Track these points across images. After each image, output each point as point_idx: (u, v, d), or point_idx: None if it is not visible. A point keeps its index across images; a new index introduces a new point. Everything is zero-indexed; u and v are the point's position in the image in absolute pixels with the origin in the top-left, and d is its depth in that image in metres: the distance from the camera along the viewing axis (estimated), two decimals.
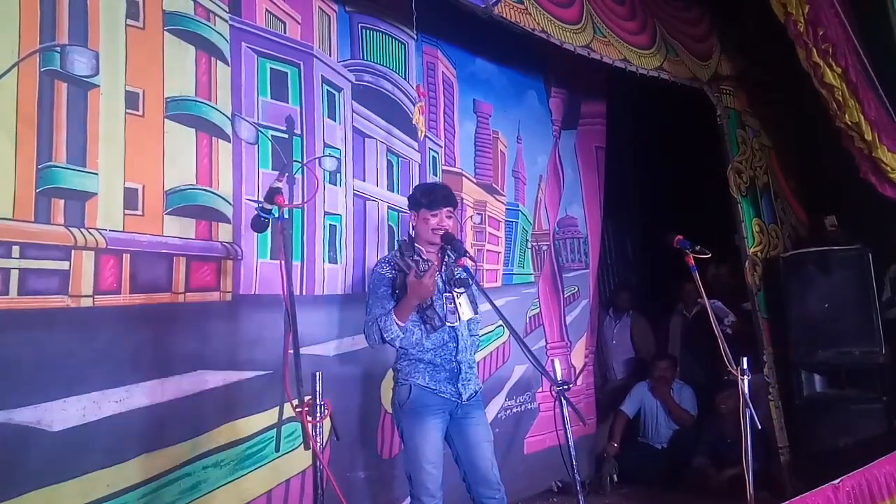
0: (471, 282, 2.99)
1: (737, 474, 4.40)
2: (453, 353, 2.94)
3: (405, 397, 2.90)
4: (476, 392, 3.01)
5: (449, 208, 2.99)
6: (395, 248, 3.13)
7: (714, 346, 3.39)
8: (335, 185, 3.74)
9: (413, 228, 3.06)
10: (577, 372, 5.13)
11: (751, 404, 3.16)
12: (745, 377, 3.19)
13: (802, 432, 4.59)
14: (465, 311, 2.94)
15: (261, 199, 2.34)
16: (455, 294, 2.93)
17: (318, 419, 1.75)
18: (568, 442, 2.55)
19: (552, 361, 2.71)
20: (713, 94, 4.91)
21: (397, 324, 2.81)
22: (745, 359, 3.23)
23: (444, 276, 2.99)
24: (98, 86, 2.76)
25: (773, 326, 4.75)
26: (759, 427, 3.20)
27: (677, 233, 3.47)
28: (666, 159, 6.07)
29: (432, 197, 3.01)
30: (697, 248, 3.32)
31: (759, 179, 5.10)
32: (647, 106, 5.57)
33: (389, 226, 4.07)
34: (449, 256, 3.03)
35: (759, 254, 4.86)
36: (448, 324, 2.91)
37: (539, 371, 2.56)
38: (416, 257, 2.95)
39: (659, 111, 5.49)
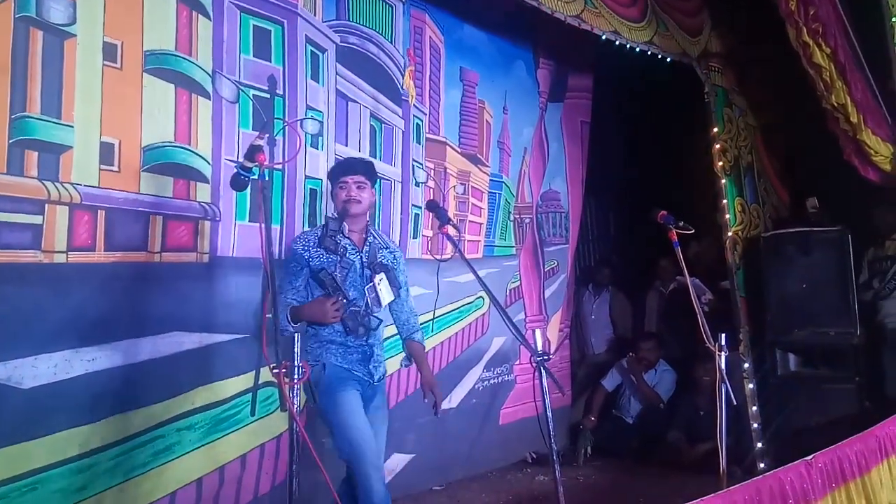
0: (392, 267, 2.88)
1: (709, 449, 4.47)
2: (364, 337, 2.80)
3: (319, 376, 2.69)
4: (384, 374, 2.90)
5: (357, 177, 2.81)
6: (321, 223, 2.97)
7: (691, 323, 3.40)
8: (317, 148, 3.67)
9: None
10: (557, 345, 5.16)
11: (727, 380, 3.18)
12: (723, 353, 3.20)
13: (775, 410, 4.65)
14: (386, 296, 2.82)
15: (241, 158, 2.28)
16: (376, 281, 2.80)
17: (295, 381, 1.71)
18: (546, 412, 2.55)
19: (533, 332, 2.69)
20: (702, 71, 4.87)
21: (291, 326, 2.60)
22: (723, 335, 3.25)
23: (365, 259, 2.83)
24: (75, 35, 2.67)
25: (751, 305, 4.78)
26: (735, 403, 3.22)
27: (660, 209, 3.46)
28: (650, 136, 6.04)
29: (337, 169, 2.90)
30: (681, 223, 3.31)
31: (743, 159, 5.10)
32: (633, 81, 5.52)
33: None
34: (374, 237, 2.91)
35: (740, 233, 4.87)
36: (373, 315, 2.77)
37: (520, 341, 2.55)
38: (339, 237, 2.77)
39: (645, 86, 5.45)
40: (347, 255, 2.78)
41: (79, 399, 2.65)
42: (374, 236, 2.92)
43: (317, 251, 2.74)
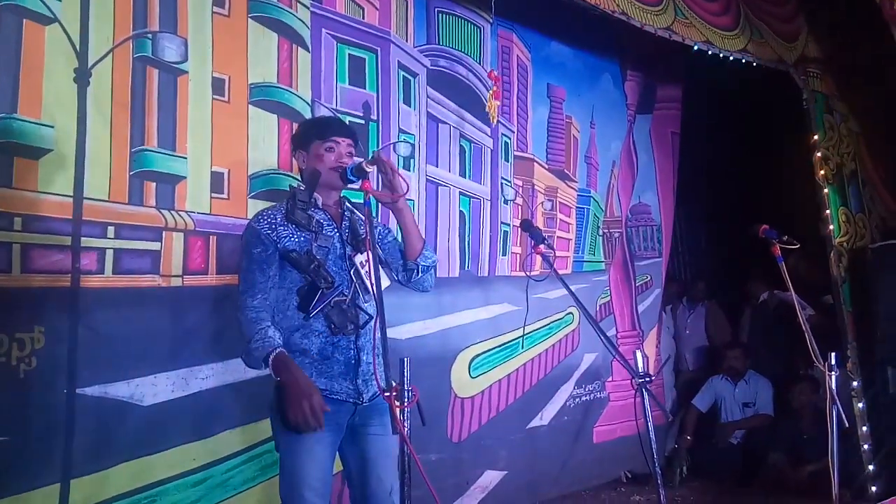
0: (380, 241, 2.42)
1: (814, 471, 4.29)
2: (351, 338, 2.22)
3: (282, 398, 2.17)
4: (377, 392, 2.22)
5: (349, 140, 2.32)
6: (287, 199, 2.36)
7: (788, 339, 3.28)
8: (409, 170, 3.75)
9: (302, 174, 2.41)
10: (660, 364, 5.06)
11: (838, 401, 3.04)
12: (833, 373, 3.07)
13: (886, 431, 4.41)
14: (368, 282, 2.24)
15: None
16: (358, 261, 2.25)
17: (406, 404, 1.76)
18: (649, 435, 2.50)
19: (634, 352, 2.64)
20: (799, 77, 4.71)
21: (263, 364, 2.17)
22: (833, 354, 3.11)
23: (346, 236, 2.30)
24: (187, 72, 2.83)
25: (858, 320, 4.55)
26: (847, 425, 3.07)
27: (759, 222, 3.34)
28: (745, 145, 5.87)
29: (326, 125, 2.42)
30: (785, 238, 3.19)
31: (846, 166, 4.88)
32: (725, 89, 5.38)
33: (461, 212, 4.07)
34: (350, 210, 2.38)
35: (844, 244, 4.66)
36: (361, 308, 2.24)
37: (621, 362, 2.51)
38: (311, 210, 2.25)
39: (739, 94, 5.30)
40: (324, 230, 2.26)
41: (193, 415, 2.79)
42: (350, 209, 2.38)
43: (286, 229, 2.21)
